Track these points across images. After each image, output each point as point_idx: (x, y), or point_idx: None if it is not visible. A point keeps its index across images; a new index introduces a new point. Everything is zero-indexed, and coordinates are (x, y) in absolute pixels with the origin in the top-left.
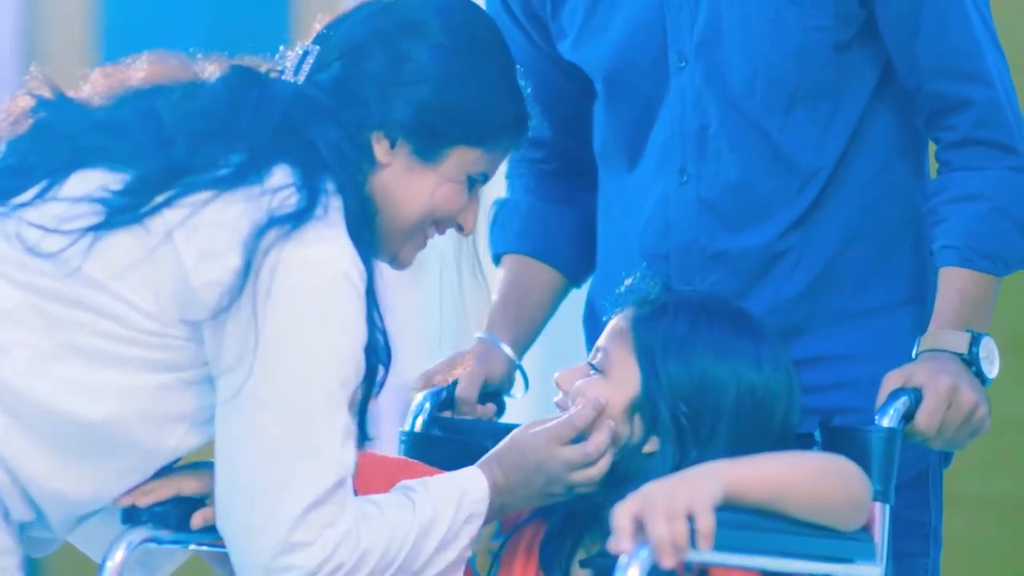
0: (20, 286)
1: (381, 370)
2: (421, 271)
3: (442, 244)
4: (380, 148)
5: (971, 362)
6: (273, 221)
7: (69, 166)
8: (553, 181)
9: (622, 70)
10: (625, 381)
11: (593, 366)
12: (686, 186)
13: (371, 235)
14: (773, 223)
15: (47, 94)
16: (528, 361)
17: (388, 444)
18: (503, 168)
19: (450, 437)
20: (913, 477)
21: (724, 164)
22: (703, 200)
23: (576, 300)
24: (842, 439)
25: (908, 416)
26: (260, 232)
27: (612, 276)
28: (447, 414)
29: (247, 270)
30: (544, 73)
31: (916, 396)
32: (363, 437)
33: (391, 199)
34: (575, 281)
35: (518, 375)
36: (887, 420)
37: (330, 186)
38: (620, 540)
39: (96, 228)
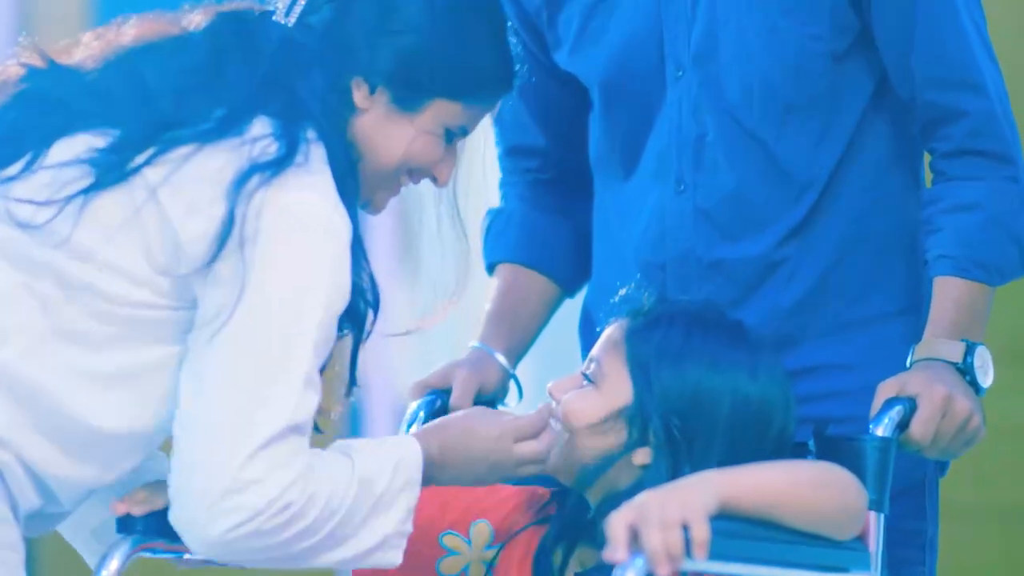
0: (14, 265)
1: (370, 315)
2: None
3: (421, 192)
4: (359, 94)
5: (966, 371)
6: (254, 168)
7: (56, 133)
8: (548, 191)
9: (619, 79)
10: (617, 392)
11: (586, 376)
12: (683, 195)
13: (355, 180)
14: (769, 233)
15: (38, 63)
16: (522, 370)
17: None
18: (495, 176)
19: None
20: (909, 486)
21: (721, 174)
22: (700, 209)
23: (570, 309)
24: (836, 448)
25: (903, 425)
26: (242, 180)
27: (607, 285)
28: None
29: (231, 218)
30: (540, 83)
31: (911, 405)
32: (352, 383)
33: (367, 145)
34: (569, 291)
35: (512, 384)
36: (881, 429)
37: (311, 134)
38: (615, 549)
39: (85, 191)
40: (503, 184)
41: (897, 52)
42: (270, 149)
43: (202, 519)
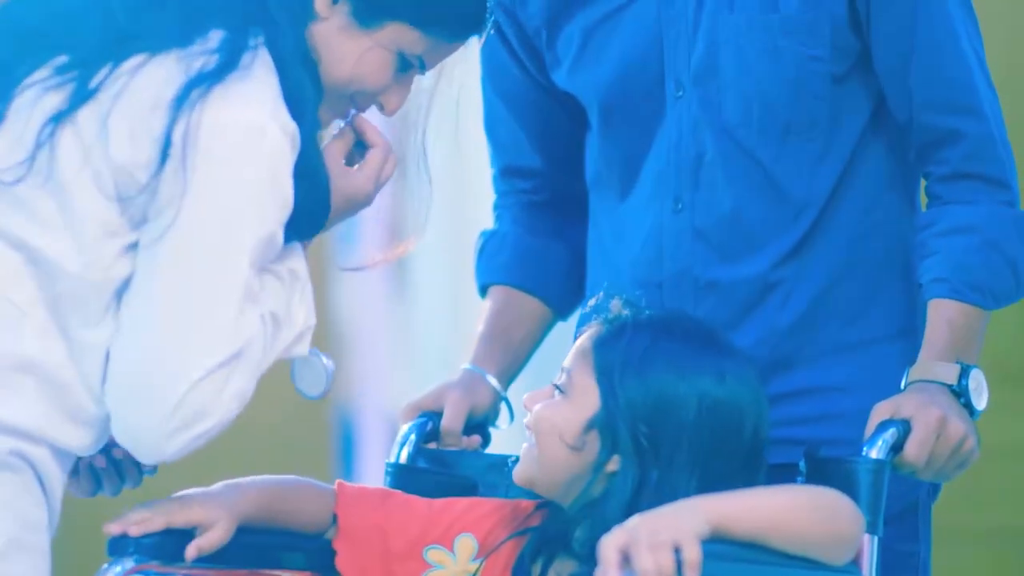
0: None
1: (318, 216)
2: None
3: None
4: (321, 1)
5: (960, 393)
6: (192, 83)
7: (25, 61)
8: (542, 213)
9: (618, 98)
10: (586, 402)
11: (557, 387)
12: (680, 215)
13: (316, 83)
14: (766, 254)
15: None
16: (513, 392)
17: (375, 476)
18: (489, 199)
19: (436, 469)
20: (903, 510)
21: (719, 193)
22: (697, 229)
23: (561, 330)
24: (829, 470)
25: (897, 447)
26: (181, 96)
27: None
28: (432, 445)
29: (169, 134)
30: (538, 104)
31: (905, 428)
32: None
33: (318, 56)
34: (562, 314)
35: (503, 406)
36: (875, 451)
37: (258, 41)
38: (607, 572)
39: (55, 119)
40: (497, 205)
41: (896, 74)
42: (211, 60)
43: (153, 439)
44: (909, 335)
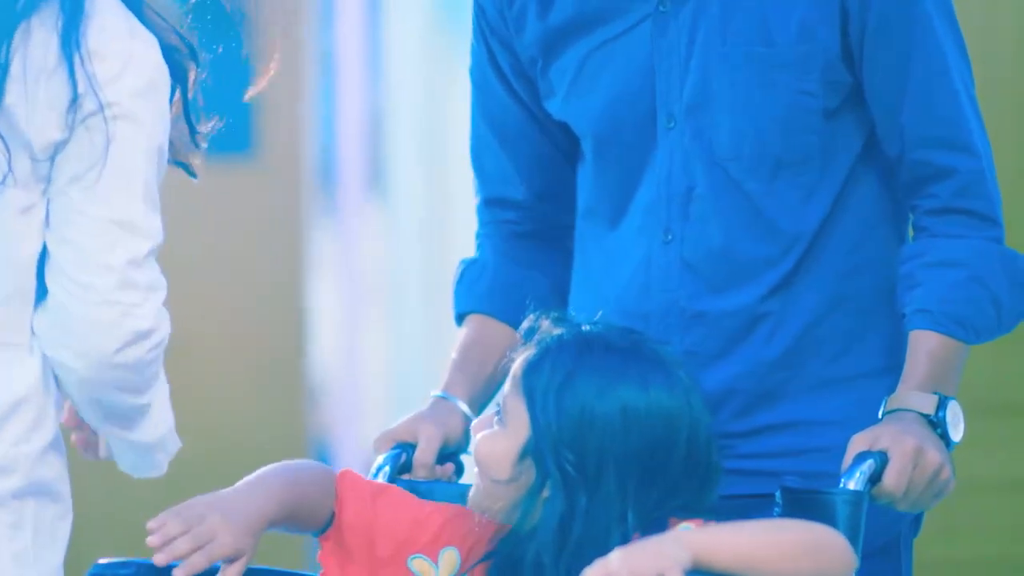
0: None
1: (192, 68)
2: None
3: None
4: None
5: (937, 424)
6: (65, 34)
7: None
8: (524, 243)
9: (610, 129)
10: (519, 430)
11: (498, 416)
12: (670, 246)
13: None
14: (754, 286)
15: None
16: None
17: None
18: (469, 228)
19: None
20: (885, 544)
21: (709, 226)
22: (686, 261)
23: None
24: (806, 502)
25: (874, 479)
26: (64, 46)
27: None
28: (406, 476)
29: (73, 80)
30: (527, 135)
31: (882, 459)
32: (194, 143)
33: None
34: None
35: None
36: (853, 483)
37: None
38: None
39: None
40: (479, 235)
41: (888, 110)
42: (60, 12)
43: (95, 342)
44: (897, 371)
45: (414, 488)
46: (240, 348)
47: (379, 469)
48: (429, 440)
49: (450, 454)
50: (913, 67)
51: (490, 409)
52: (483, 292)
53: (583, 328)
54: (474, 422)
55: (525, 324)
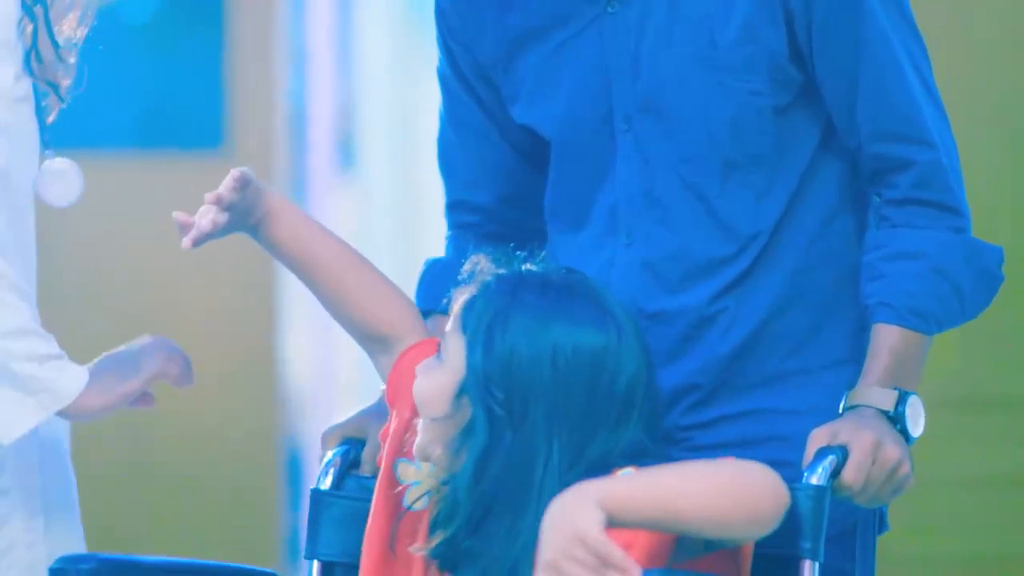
0: None
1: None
2: None
3: None
4: None
5: (896, 420)
6: None
7: None
8: (488, 246)
9: (570, 132)
10: (456, 366)
11: (438, 355)
12: (631, 248)
13: None
14: (709, 284)
15: None
16: None
17: None
18: (440, 229)
19: (360, 496)
20: (840, 532)
21: (665, 228)
22: (645, 262)
23: None
24: None
25: (835, 474)
26: None
27: None
28: (354, 472)
29: None
30: (490, 138)
31: (843, 454)
32: (58, 57)
33: None
34: None
35: None
36: (816, 478)
37: None
38: None
39: None
40: (447, 237)
41: (841, 105)
42: None
43: None
44: (859, 361)
45: (363, 484)
46: (213, 342)
47: (328, 465)
48: (377, 436)
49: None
50: (862, 63)
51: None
52: (442, 292)
53: (522, 268)
54: (418, 365)
55: (467, 267)
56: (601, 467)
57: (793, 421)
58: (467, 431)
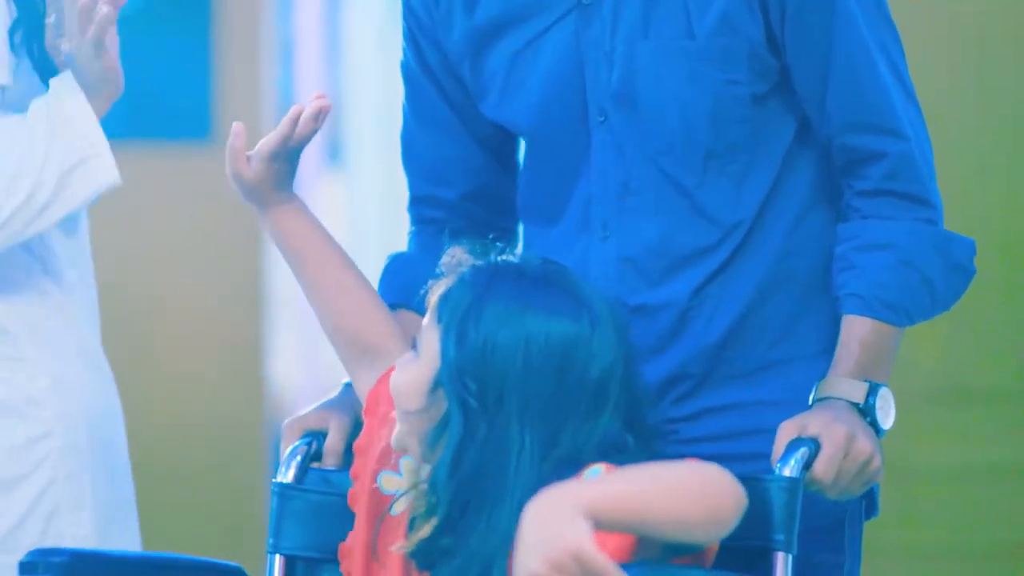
0: None
1: None
2: None
3: None
4: None
5: (866, 412)
6: None
7: None
8: (454, 241)
9: (544, 126)
10: (431, 359)
11: (414, 347)
12: (607, 242)
13: None
14: (691, 276)
15: None
16: None
17: None
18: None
19: (322, 489)
20: (831, 522)
21: (644, 220)
22: (623, 256)
23: None
24: None
25: (807, 466)
26: None
27: None
28: (316, 464)
29: None
30: (455, 134)
31: (815, 446)
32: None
33: None
34: None
35: None
36: (788, 470)
37: None
38: None
39: None
40: (409, 232)
41: (813, 96)
42: None
43: None
44: (834, 352)
45: (325, 477)
46: (199, 333)
47: (291, 457)
48: (340, 428)
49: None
50: (834, 53)
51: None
52: (402, 286)
53: (499, 258)
54: (398, 360)
55: (445, 260)
56: (573, 461)
57: (777, 412)
58: (442, 424)
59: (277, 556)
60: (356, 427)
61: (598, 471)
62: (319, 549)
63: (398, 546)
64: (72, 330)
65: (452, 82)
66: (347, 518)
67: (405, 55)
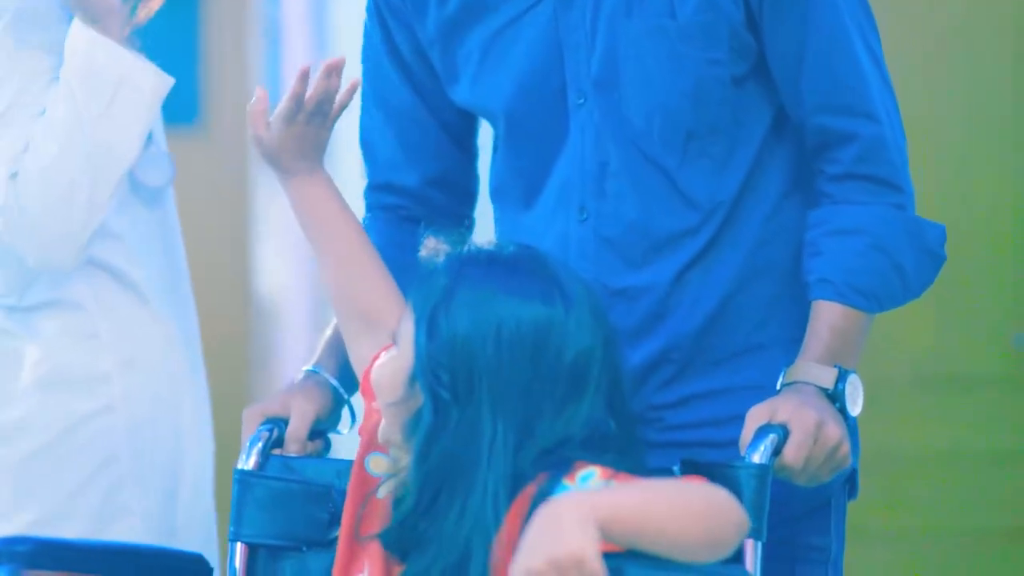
0: None
1: None
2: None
3: None
4: None
5: (835, 398)
6: None
7: None
8: (410, 229)
9: (521, 108)
10: (408, 352)
11: (394, 339)
12: (586, 224)
13: None
14: (673, 259)
15: None
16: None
17: None
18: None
19: (284, 476)
20: (817, 506)
21: (624, 202)
22: (603, 238)
23: None
24: (709, 476)
25: (776, 452)
26: None
27: None
28: (277, 451)
29: None
30: (419, 120)
31: (784, 432)
32: None
33: None
34: None
35: (345, 410)
36: (758, 456)
37: None
38: None
39: None
40: (365, 220)
41: (788, 76)
42: None
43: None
44: None
45: (287, 464)
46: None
47: (252, 444)
48: (302, 415)
49: (322, 431)
50: (810, 33)
51: None
52: None
53: (471, 247)
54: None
55: (423, 252)
56: (556, 453)
57: (760, 397)
58: (417, 415)
59: (239, 544)
60: (318, 414)
61: (592, 474)
62: (281, 537)
63: (370, 535)
64: (145, 310)
65: (421, 65)
66: (309, 505)
67: (369, 40)
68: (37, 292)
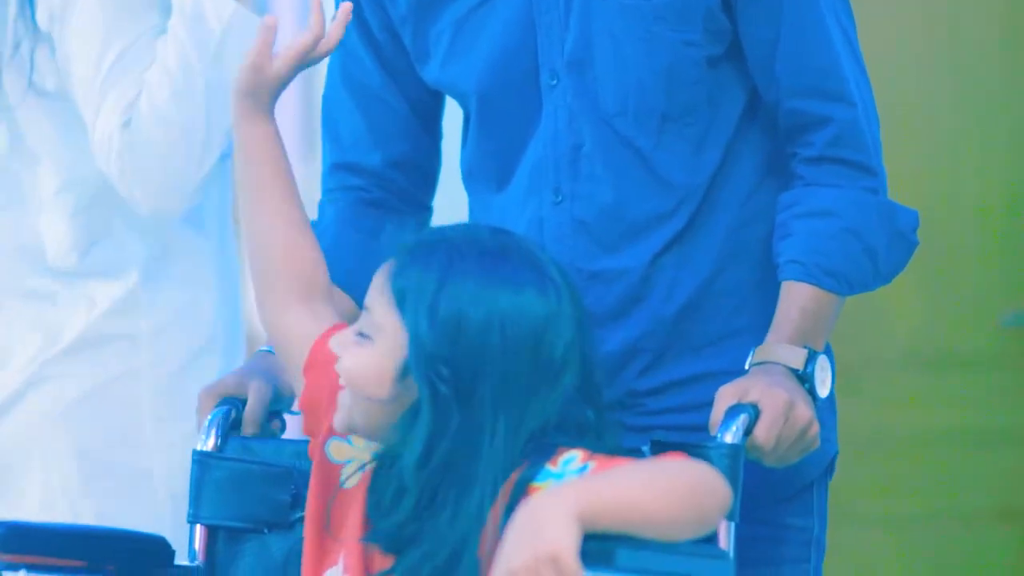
0: None
1: None
2: None
3: None
4: None
5: (805, 379)
6: None
7: None
8: (369, 211)
9: (494, 89)
10: (392, 344)
11: (361, 333)
12: (560, 207)
13: None
14: (649, 243)
15: None
16: None
17: None
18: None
19: (243, 457)
20: (800, 489)
21: (599, 184)
22: (578, 221)
23: None
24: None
25: (746, 432)
26: None
27: None
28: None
29: None
30: (386, 100)
31: (755, 412)
32: None
33: None
34: None
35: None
36: (730, 436)
37: None
38: None
39: None
40: (322, 201)
41: (762, 59)
42: None
43: None
44: None
45: (246, 445)
46: None
47: (210, 425)
48: (259, 395)
49: (276, 411)
50: (785, 17)
51: (350, 328)
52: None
53: (450, 231)
54: (333, 339)
55: (386, 238)
56: (540, 441)
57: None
58: (411, 413)
59: (198, 526)
60: (276, 394)
61: (574, 458)
62: (242, 518)
63: (362, 537)
64: (187, 280)
65: (392, 44)
66: (269, 486)
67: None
68: (94, 256)
